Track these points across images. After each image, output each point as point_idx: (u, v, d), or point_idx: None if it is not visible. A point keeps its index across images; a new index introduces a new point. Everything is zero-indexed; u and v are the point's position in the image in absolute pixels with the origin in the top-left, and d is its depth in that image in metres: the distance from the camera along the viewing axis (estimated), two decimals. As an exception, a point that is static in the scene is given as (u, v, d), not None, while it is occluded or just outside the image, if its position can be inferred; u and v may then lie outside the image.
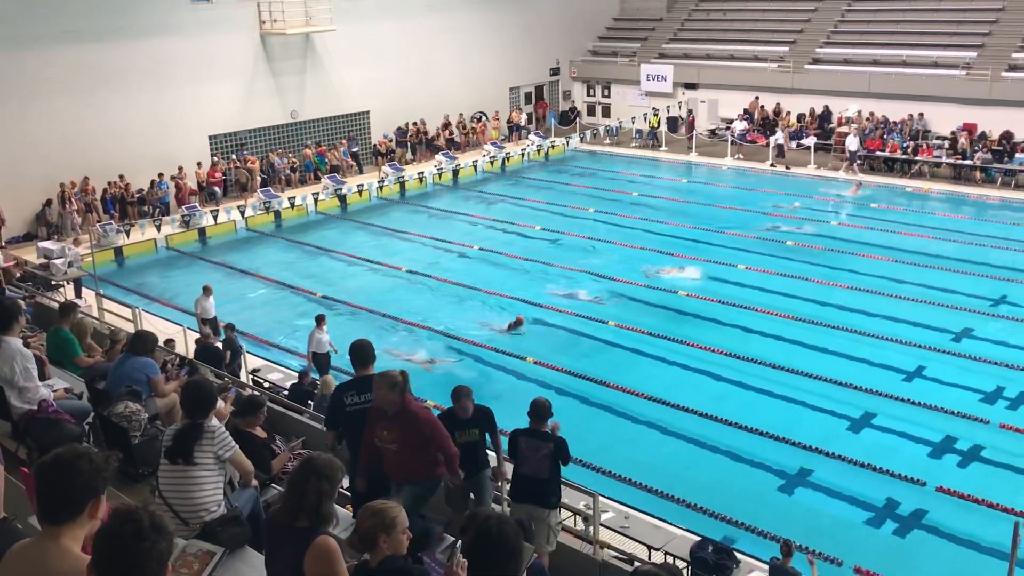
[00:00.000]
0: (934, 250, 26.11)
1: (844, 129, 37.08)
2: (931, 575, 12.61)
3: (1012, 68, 35.02)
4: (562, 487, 9.86)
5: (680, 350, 19.85)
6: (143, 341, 9.73)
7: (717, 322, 21.30)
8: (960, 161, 34.02)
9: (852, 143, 35.19)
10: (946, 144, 34.84)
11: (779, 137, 37.99)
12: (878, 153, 35.73)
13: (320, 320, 17.38)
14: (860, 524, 13.73)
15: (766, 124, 40.63)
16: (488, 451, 9.63)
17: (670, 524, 12.71)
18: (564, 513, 11.40)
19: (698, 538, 11.86)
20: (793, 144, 38.59)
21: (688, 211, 31.36)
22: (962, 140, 34.37)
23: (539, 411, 9.57)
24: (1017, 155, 33.26)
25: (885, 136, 36.07)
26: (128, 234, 29.09)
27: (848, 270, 24.59)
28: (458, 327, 21.38)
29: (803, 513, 14.06)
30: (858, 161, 35.01)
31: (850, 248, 26.62)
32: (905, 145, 35.39)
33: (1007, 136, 34.22)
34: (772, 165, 37.01)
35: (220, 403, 9.39)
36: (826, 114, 39.25)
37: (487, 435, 9.53)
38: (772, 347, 19.79)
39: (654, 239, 27.88)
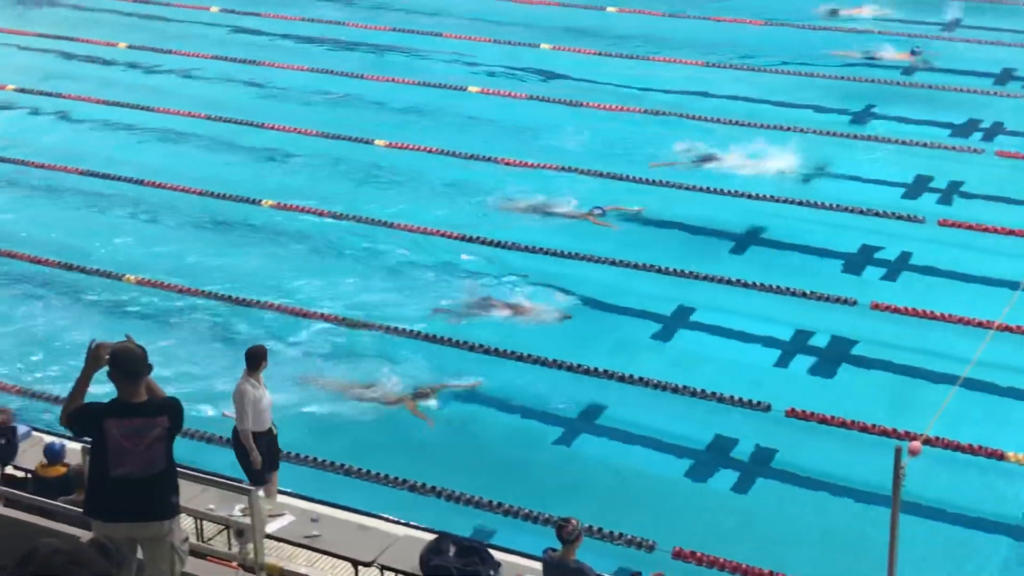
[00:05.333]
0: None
1: None
2: (787, 543, 13.32)
3: None
4: (195, 485, 9.71)
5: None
6: None
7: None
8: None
9: None
10: None
11: None
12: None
13: (258, 359, 13.16)
14: (680, 480, 14.35)
15: None
16: None
17: (386, 519, 12.72)
18: (209, 528, 11.42)
19: (433, 536, 11.84)
20: None
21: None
22: None
23: (132, 365, 8.73)
24: None
25: None
26: None
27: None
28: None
29: (588, 474, 14.51)
30: None
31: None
32: None
33: None
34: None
35: None
36: None
37: None
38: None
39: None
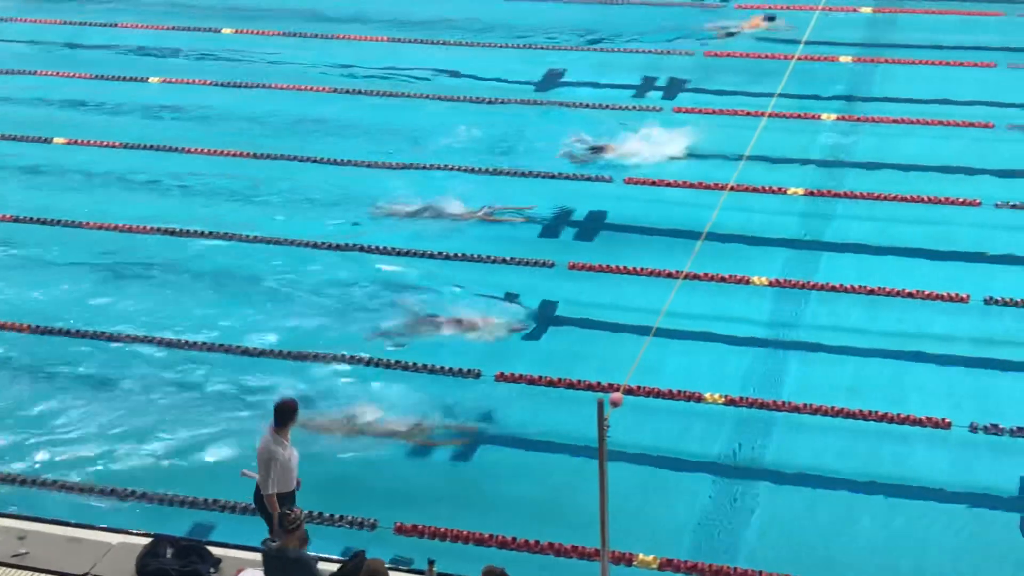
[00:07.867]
0: None
1: None
2: (507, 506, 13.61)
3: None
4: None
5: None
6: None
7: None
8: None
9: None
10: None
11: None
12: None
13: (289, 414, 11.70)
14: (397, 456, 14.48)
15: None
16: None
17: (99, 529, 12.52)
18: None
19: (148, 540, 11.81)
20: None
21: None
22: None
23: None
24: None
25: None
26: None
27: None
28: None
29: (303, 462, 14.38)
30: None
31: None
32: None
33: None
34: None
35: None
36: None
37: None
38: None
39: None
